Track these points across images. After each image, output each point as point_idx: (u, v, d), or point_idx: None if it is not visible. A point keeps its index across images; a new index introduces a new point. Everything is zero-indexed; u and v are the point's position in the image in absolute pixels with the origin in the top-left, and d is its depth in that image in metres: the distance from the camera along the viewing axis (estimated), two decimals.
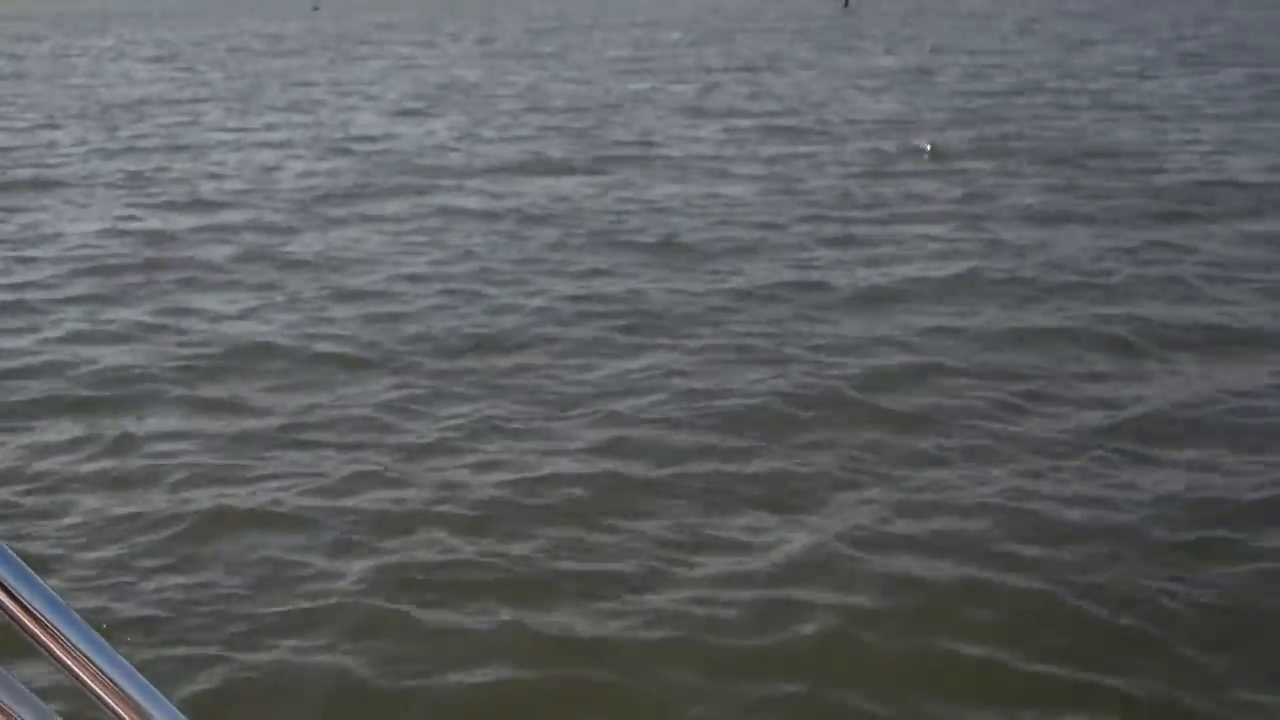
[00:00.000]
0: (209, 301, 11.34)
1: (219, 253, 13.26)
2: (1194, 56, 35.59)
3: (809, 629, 5.65)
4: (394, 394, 8.78)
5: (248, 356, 9.70)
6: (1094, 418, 8.10)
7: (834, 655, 5.46)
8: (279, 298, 11.41)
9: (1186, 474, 7.23)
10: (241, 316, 10.84)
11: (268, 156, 20.32)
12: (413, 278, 12.00)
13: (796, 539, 6.49)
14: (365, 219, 14.99)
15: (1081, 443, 7.70)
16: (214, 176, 18.41)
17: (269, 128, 24.20)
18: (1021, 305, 10.73)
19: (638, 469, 7.40)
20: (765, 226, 13.99)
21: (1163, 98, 25.51)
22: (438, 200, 16.05)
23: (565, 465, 7.46)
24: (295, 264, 12.71)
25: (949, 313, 10.52)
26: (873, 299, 10.97)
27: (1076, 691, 5.17)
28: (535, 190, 16.56)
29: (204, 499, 7.09)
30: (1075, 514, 6.72)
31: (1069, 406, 8.33)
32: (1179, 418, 8.08)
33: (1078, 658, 5.40)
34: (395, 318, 10.66)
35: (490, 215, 14.99)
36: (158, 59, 45.44)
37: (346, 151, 20.61)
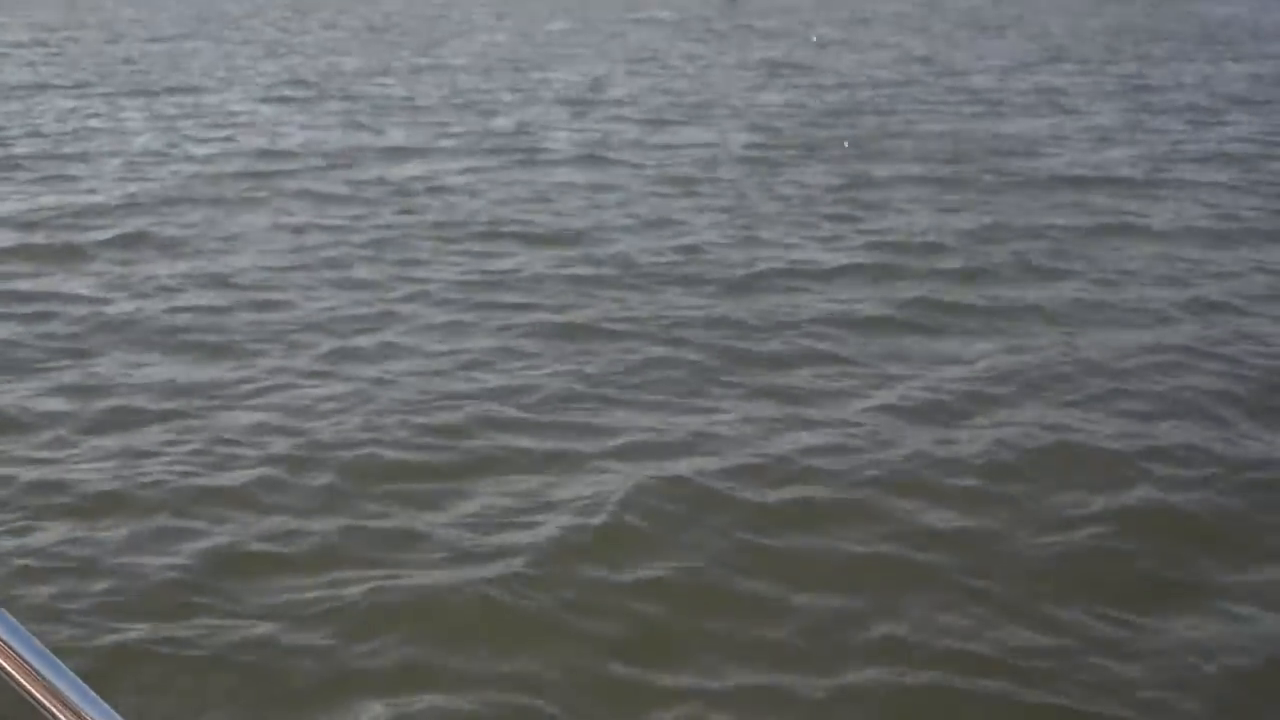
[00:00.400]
0: (76, 284, 11.09)
1: (90, 237, 12.94)
2: (1070, 54, 36.36)
3: (620, 603, 5.78)
4: (262, 376, 8.69)
5: (116, 338, 9.52)
6: (950, 386, 8.46)
7: (647, 623, 5.59)
8: (151, 283, 11.18)
9: (1032, 435, 7.60)
10: (111, 300, 10.61)
11: (146, 142, 19.87)
12: (293, 266, 11.82)
13: (639, 501, 6.64)
14: (244, 204, 14.72)
15: (932, 411, 8.00)
16: (85, 160, 17.97)
17: (148, 114, 23.67)
18: (896, 288, 10.96)
19: (497, 440, 7.52)
20: (650, 213, 14.03)
21: (1038, 93, 26.04)
22: (316, 186, 15.82)
23: (425, 442, 7.52)
24: (169, 248, 12.46)
25: (827, 297, 10.69)
26: (754, 284, 11.10)
27: (903, 650, 5.34)
28: (416, 178, 16.41)
29: (55, 477, 6.97)
30: (919, 475, 7.04)
31: (936, 379, 8.63)
32: (1033, 387, 8.48)
33: (908, 616, 5.58)
34: (269, 304, 10.52)
35: (369, 202, 14.82)
36: (35, 43, 44.21)
37: (226, 139, 20.22)
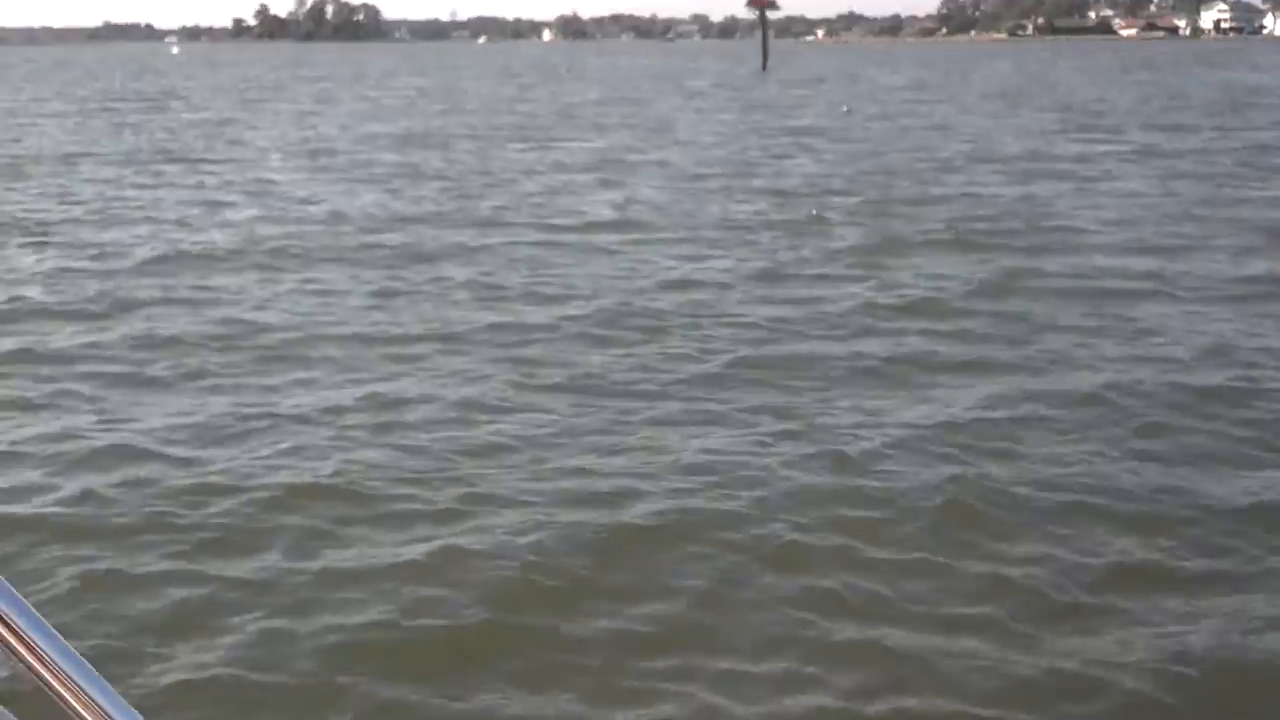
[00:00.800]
0: (109, 341, 11.28)
1: (123, 296, 13.14)
2: (1097, 122, 36.53)
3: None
4: (284, 422, 8.85)
5: (150, 393, 9.72)
6: (973, 434, 8.57)
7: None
8: (182, 339, 11.35)
9: (1048, 477, 7.74)
10: (146, 359, 10.77)
11: (181, 208, 20.15)
12: (320, 325, 11.95)
13: (642, 539, 6.85)
14: (273, 268, 14.90)
15: (948, 458, 8.11)
16: (121, 225, 18.24)
17: (183, 182, 24.01)
18: (920, 342, 11.13)
19: (507, 481, 7.69)
20: (677, 275, 14.18)
21: (1066, 159, 26.20)
22: (346, 251, 16.00)
23: (436, 486, 7.65)
24: (200, 307, 12.63)
25: (850, 349, 10.86)
26: (777, 339, 11.23)
27: (911, 679, 5.40)
28: (447, 244, 16.57)
29: (85, 521, 7.14)
30: (937, 515, 7.13)
31: (960, 424, 8.76)
32: (1051, 433, 8.61)
33: (918, 647, 5.67)
34: (297, 359, 10.68)
35: (395, 265, 14.98)
36: (78, 113, 45.02)
37: (260, 205, 20.47)
